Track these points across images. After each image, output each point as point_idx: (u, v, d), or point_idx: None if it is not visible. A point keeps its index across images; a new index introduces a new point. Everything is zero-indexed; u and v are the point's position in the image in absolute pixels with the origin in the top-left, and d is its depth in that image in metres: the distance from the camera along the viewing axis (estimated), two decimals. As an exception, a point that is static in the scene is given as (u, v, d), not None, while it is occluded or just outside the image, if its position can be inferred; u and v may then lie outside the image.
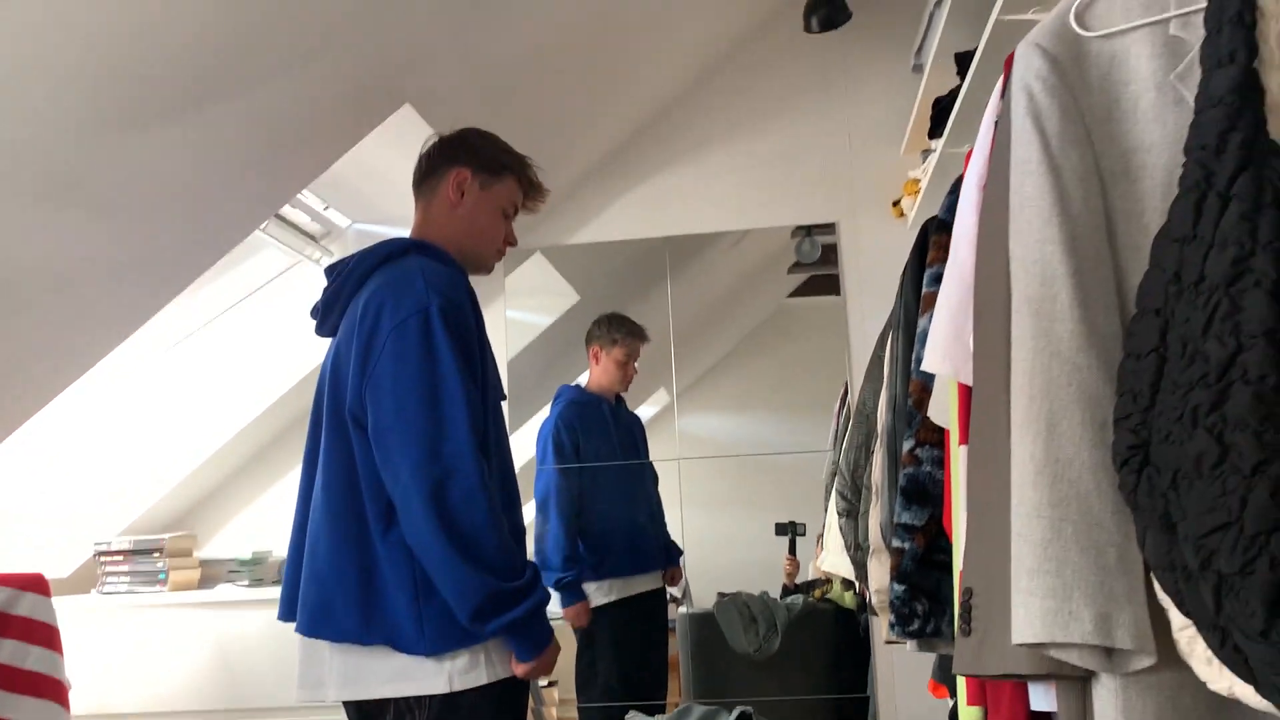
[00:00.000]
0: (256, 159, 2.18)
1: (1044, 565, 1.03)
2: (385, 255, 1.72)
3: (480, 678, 1.54)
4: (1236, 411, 0.88)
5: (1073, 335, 1.07)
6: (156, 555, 2.91)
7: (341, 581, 1.57)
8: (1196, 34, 1.13)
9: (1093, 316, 1.08)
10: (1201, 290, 0.95)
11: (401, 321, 1.56)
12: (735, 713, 1.41)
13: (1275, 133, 1.00)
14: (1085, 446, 1.05)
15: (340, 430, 1.63)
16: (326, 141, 2.33)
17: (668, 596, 3.54)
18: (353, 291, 1.72)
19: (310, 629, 1.61)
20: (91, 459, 3.05)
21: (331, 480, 1.62)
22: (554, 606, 3.19)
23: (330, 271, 1.78)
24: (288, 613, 1.71)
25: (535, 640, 1.56)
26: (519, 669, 1.58)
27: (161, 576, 2.89)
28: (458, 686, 1.53)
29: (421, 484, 1.47)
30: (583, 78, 3.07)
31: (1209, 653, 0.96)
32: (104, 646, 2.83)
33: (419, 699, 1.54)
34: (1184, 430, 0.92)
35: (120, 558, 2.92)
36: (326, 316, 1.78)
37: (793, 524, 3.57)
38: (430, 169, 1.83)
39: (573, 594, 3.21)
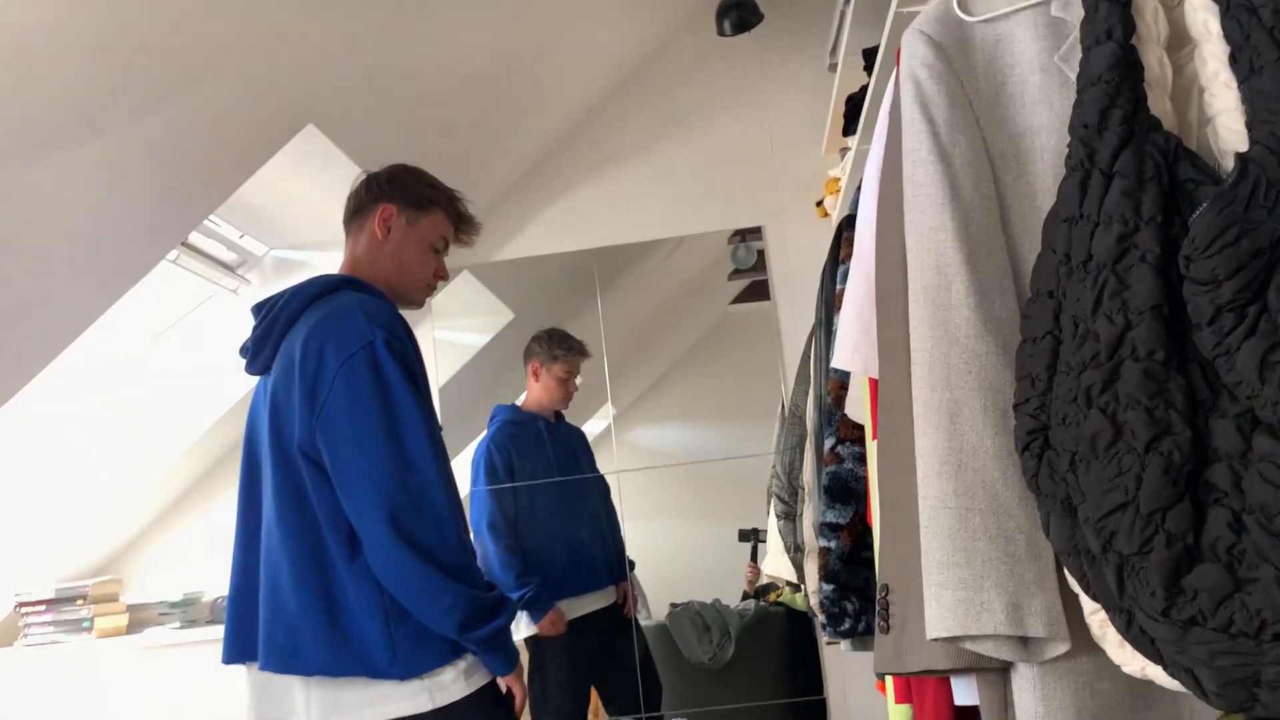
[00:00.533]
0: (155, 187, 2.11)
1: (953, 557, 1.01)
2: (317, 292, 1.71)
3: (462, 689, 1.56)
4: (1127, 389, 0.87)
5: (969, 323, 1.06)
6: (80, 602, 2.81)
7: (308, 615, 1.56)
8: (1077, 14, 1.12)
9: (989, 303, 1.07)
10: (1090, 269, 0.94)
11: (349, 357, 1.56)
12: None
13: (1156, 109, 1.00)
14: (988, 434, 1.03)
15: (287, 466, 1.62)
16: (229, 166, 2.27)
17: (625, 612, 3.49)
18: (285, 329, 1.71)
19: (281, 665, 1.59)
20: (5, 507, 2.94)
21: (286, 515, 1.61)
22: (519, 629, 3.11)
23: (258, 309, 1.76)
24: (234, 654, 1.69)
25: (511, 653, 1.60)
26: (503, 682, 1.62)
27: (86, 625, 2.79)
28: (440, 702, 1.54)
29: (392, 518, 1.50)
30: (497, 92, 3.04)
31: (1119, 635, 0.94)
32: (31, 700, 2.73)
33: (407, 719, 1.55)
34: (1079, 411, 0.91)
35: (43, 607, 2.82)
36: (257, 354, 1.76)
37: (755, 530, 3.56)
38: (358, 206, 1.84)
39: (540, 605, 3.13)
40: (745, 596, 3.56)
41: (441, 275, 1.87)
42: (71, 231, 2.00)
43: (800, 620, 3.47)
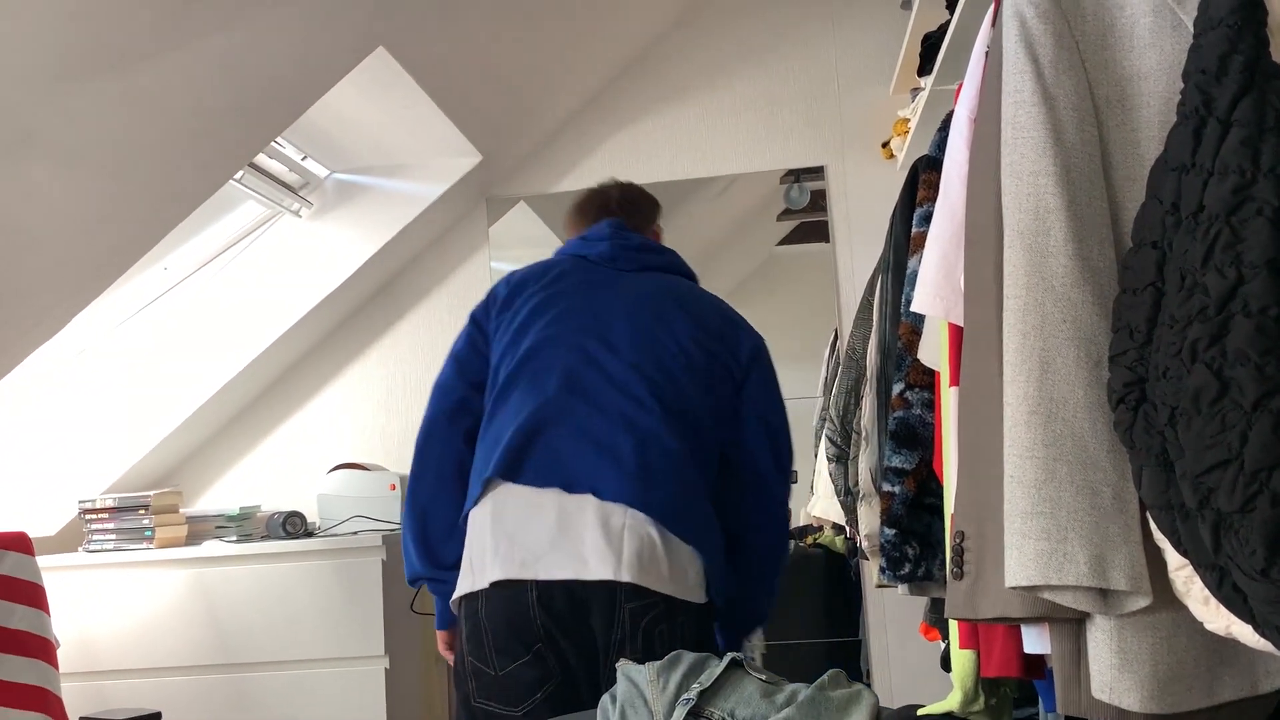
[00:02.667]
0: (226, 107, 2.11)
1: (1038, 507, 1.00)
2: (670, 264, 2.03)
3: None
4: (1237, 345, 0.85)
5: (1067, 270, 1.04)
6: (142, 512, 2.88)
7: (687, 488, 1.72)
8: (1195, -46, 1.08)
9: (1087, 250, 1.05)
10: (1201, 220, 0.91)
11: (760, 346, 1.94)
12: (727, 659, 1.40)
13: (1278, 55, 0.96)
14: (1079, 385, 1.02)
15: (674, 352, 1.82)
16: (299, 87, 2.27)
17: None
18: (632, 265, 1.95)
19: (662, 514, 1.66)
20: (74, 417, 3.01)
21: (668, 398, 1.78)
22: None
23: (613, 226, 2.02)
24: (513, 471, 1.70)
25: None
26: None
27: (148, 534, 2.86)
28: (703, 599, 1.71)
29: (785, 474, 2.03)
30: (561, 21, 3.00)
31: (1206, 592, 0.94)
32: (91, 604, 2.82)
33: (689, 605, 1.67)
34: (1182, 365, 0.89)
35: (105, 515, 2.89)
36: (613, 260, 1.96)
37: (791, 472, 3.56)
38: (649, 209, 2.16)
39: None
40: (785, 539, 3.58)
41: None
42: (144, 147, 2.01)
43: (838, 562, 3.49)
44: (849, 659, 3.42)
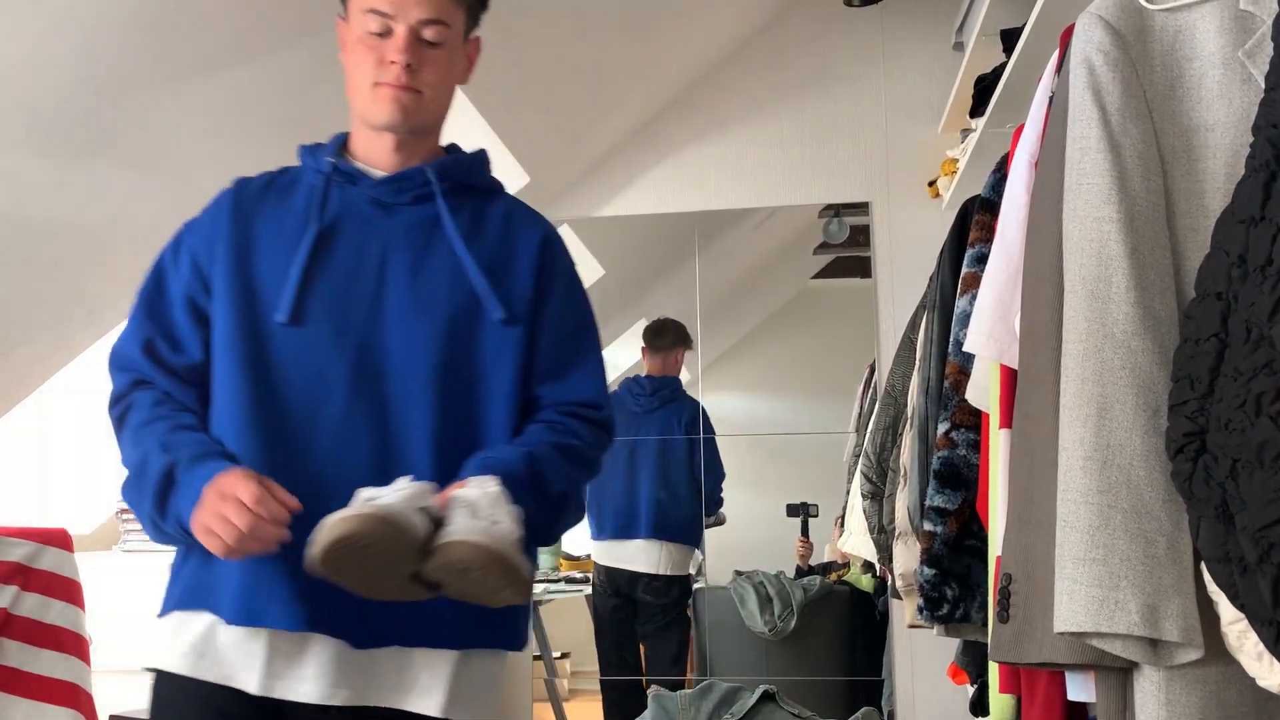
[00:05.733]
0: (295, 118, 2.15)
1: (1091, 553, 1.00)
2: None
3: None
4: (1303, 400, 0.85)
5: (1128, 318, 1.04)
6: (178, 515, 2.91)
7: None
8: (1268, 9, 1.09)
9: (1149, 299, 1.05)
10: (1269, 274, 0.91)
11: None
12: (759, 691, 1.39)
13: (1350, 112, 0.96)
14: (1137, 433, 1.02)
15: None
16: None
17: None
18: None
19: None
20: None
21: None
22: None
23: None
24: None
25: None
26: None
27: (183, 536, 2.89)
28: None
29: None
30: (614, 49, 3.03)
31: (1260, 648, 0.93)
32: (125, 603, 2.84)
33: None
34: (1246, 418, 0.89)
35: (142, 516, 2.92)
36: None
37: (804, 505, 3.56)
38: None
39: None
40: (800, 572, 3.56)
41: (391, 59, 1.29)
42: (211, 154, 2.06)
43: (864, 600, 3.47)
44: (871, 698, 3.39)
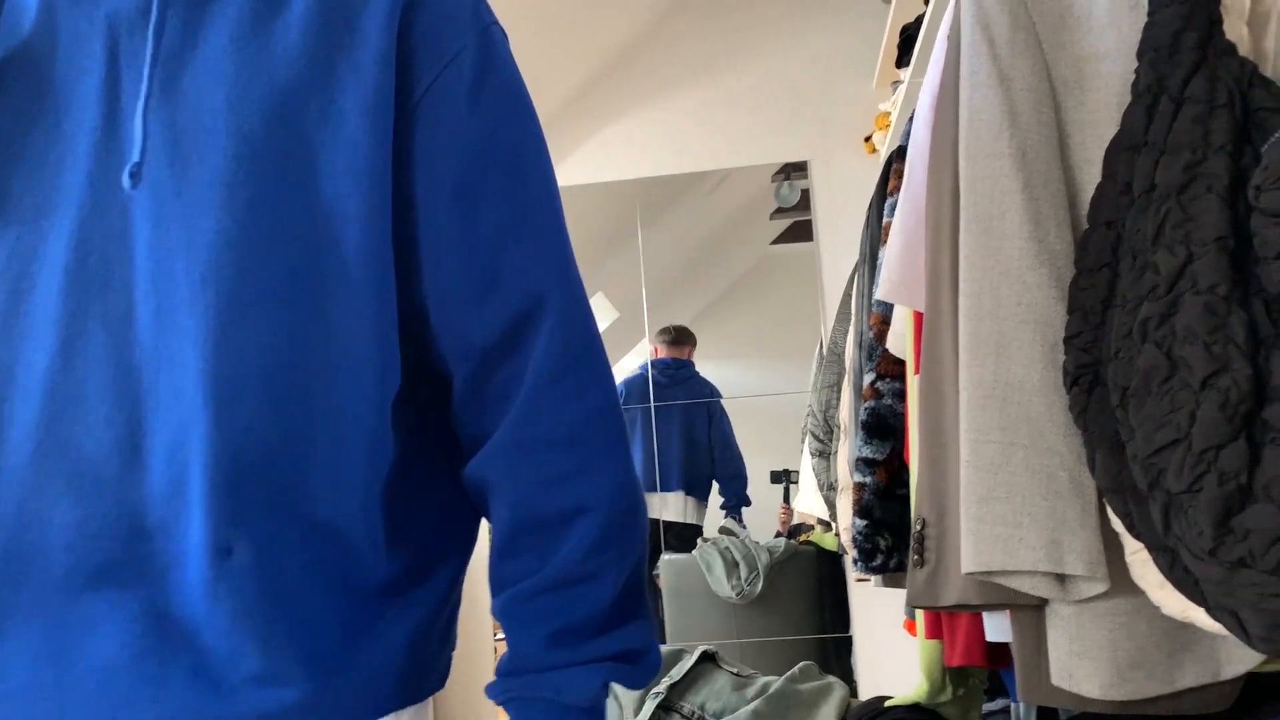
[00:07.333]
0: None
1: (994, 491, 0.99)
2: None
3: None
4: (1186, 323, 0.84)
5: (1023, 254, 1.03)
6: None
7: None
8: (1152, -66, 1.07)
9: (1043, 234, 1.04)
10: (1153, 199, 0.90)
11: None
12: (698, 652, 1.39)
13: (1231, 33, 0.95)
14: (1035, 368, 1.01)
15: None
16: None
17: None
18: None
19: None
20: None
21: None
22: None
23: None
24: None
25: None
26: None
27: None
28: None
29: None
30: (543, 19, 2.99)
31: (1161, 576, 0.92)
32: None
33: None
34: (1133, 346, 0.88)
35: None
36: None
37: (786, 471, 3.57)
38: None
39: None
40: (779, 537, 3.59)
41: None
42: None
43: (830, 559, 3.48)
44: (841, 655, 3.41)
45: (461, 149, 0.76)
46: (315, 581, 0.72)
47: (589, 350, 0.78)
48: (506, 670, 0.77)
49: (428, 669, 0.80)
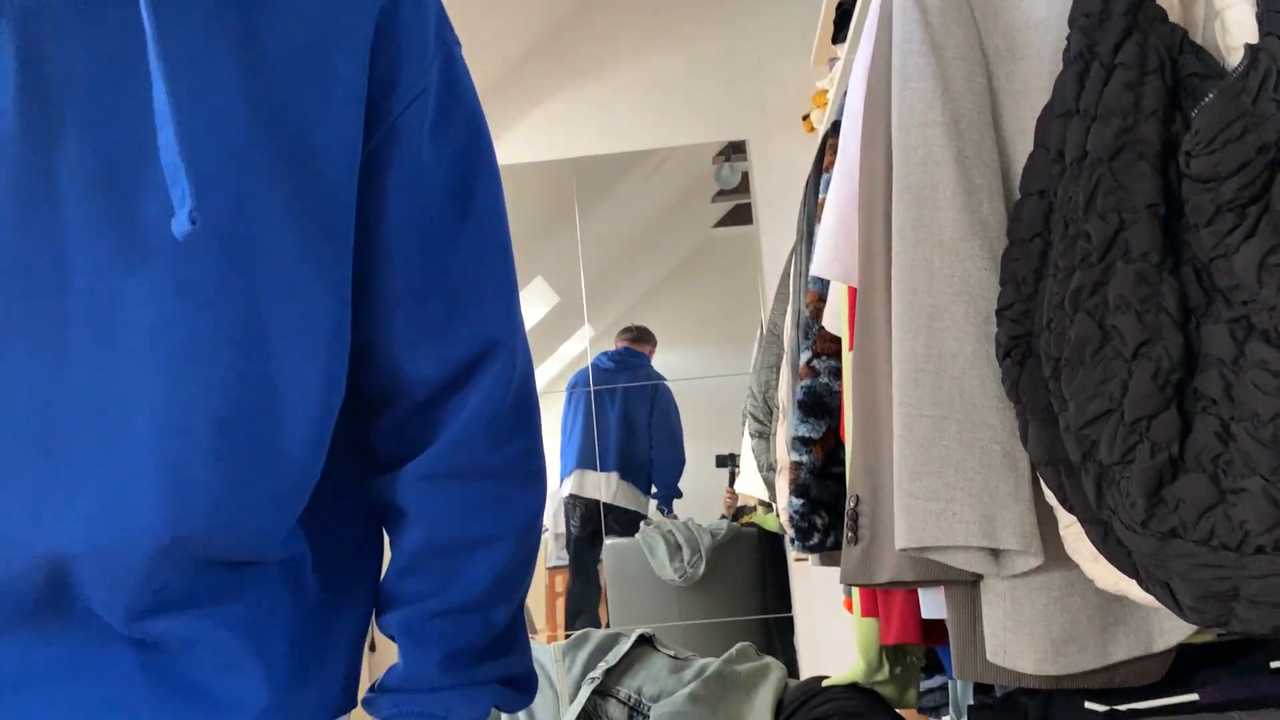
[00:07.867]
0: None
1: (927, 466, 0.97)
2: None
3: None
4: (1118, 292, 0.82)
5: (955, 225, 1.01)
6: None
7: None
8: (1083, -101, 1.06)
9: (976, 204, 1.02)
10: (1084, 166, 0.89)
11: None
12: (634, 635, 1.36)
13: (1162, 0, 0.94)
14: (968, 341, 0.99)
15: None
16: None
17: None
18: None
19: None
20: None
21: None
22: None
23: None
24: None
25: None
26: None
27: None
28: None
29: None
30: (476, -9, 2.93)
31: (1094, 549, 0.92)
32: None
33: None
34: (1065, 316, 0.86)
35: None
36: None
37: (732, 455, 3.57)
38: None
39: None
40: (723, 519, 3.59)
41: None
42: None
43: (772, 540, 3.49)
44: (784, 635, 3.42)
45: (423, 190, 0.76)
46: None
47: (526, 396, 0.81)
48: (397, 686, 0.77)
49: (358, 676, 0.81)
